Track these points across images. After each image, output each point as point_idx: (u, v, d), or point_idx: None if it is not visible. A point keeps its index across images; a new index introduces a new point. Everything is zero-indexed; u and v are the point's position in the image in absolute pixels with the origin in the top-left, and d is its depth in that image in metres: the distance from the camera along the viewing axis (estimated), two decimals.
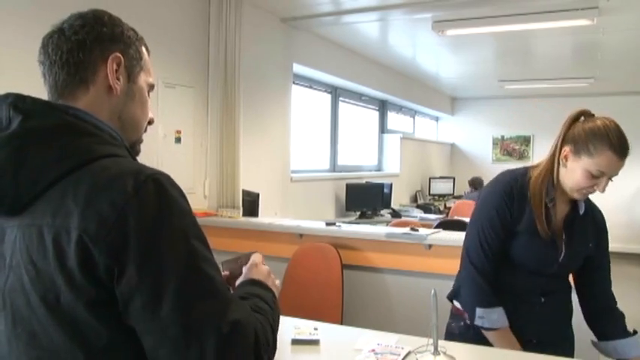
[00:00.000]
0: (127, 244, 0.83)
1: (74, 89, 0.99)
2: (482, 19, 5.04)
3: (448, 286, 2.02)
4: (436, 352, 1.57)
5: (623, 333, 1.90)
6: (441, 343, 1.61)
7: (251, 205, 4.52)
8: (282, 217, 4.92)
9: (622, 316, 1.96)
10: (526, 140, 10.56)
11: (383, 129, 8.48)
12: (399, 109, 9.08)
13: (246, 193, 4.49)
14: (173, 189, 0.90)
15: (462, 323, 1.96)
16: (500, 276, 1.89)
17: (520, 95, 10.07)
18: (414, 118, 9.83)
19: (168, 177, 0.91)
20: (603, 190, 1.82)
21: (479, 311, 1.84)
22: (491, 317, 1.83)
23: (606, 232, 2.00)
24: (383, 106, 8.46)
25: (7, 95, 0.94)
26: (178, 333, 0.83)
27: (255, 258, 1.22)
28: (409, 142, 8.71)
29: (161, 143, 3.84)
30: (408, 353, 1.64)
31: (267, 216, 4.68)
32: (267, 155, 5.10)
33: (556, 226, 1.87)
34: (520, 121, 10.46)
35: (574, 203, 1.93)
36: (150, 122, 1.13)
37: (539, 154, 10.41)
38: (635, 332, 1.91)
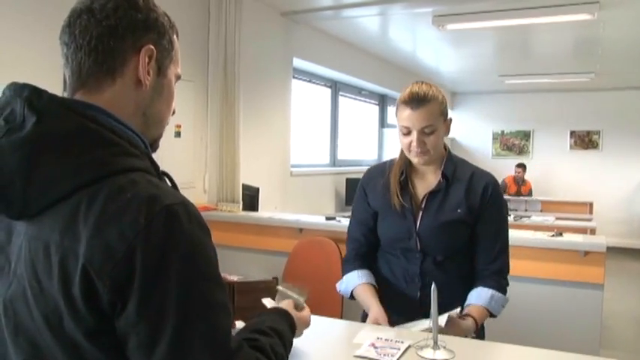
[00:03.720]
0: (132, 281, 0.77)
1: (99, 79, 0.91)
2: (482, 14, 5.03)
3: None
4: (436, 346, 1.58)
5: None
6: (441, 337, 1.61)
7: (251, 199, 4.52)
8: (281, 212, 4.92)
9: (485, 277, 1.94)
10: (526, 135, 10.55)
11: (383, 123, 8.47)
12: None
13: (245, 188, 4.49)
14: (189, 221, 0.82)
15: None
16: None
17: (520, 90, 10.06)
18: None
19: (187, 206, 0.83)
20: (418, 146, 1.87)
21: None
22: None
23: (494, 202, 1.96)
24: (383, 101, 8.45)
25: (24, 87, 0.86)
26: None
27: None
28: None
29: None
30: (408, 347, 1.64)
31: (267, 210, 4.68)
32: (267, 149, 5.10)
33: (416, 198, 1.97)
34: (520, 115, 10.46)
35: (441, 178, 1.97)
36: (172, 113, 1.05)
37: (539, 149, 10.44)
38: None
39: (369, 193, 2.06)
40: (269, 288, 1.23)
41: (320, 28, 5.87)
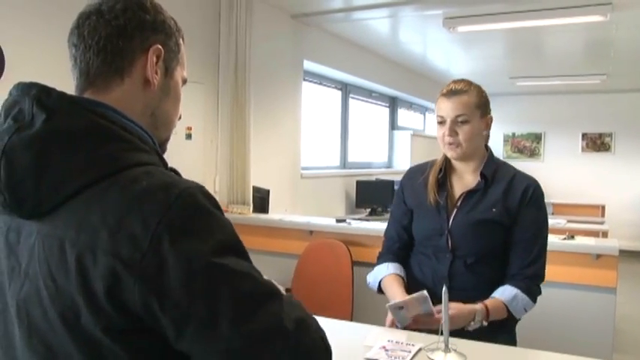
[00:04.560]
0: (165, 268, 0.76)
1: (108, 79, 0.91)
2: (493, 16, 5.01)
3: None
4: (447, 349, 1.57)
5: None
6: (452, 340, 1.61)
7: (261, 201, 4.52)
8: (292, 214, 4.92)
9: (516, 279, 1.90)
10: (537, 137, 10.49)
11: (393, 126, 8.46)
12: (410, 105, 9.06)
13: (256, 190, 4.50)
14: (207, 201, 0.83)
15: None
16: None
17: (531, 92, 10.01)
18: (424, 115, 9.79)
19: (201, 188, 0.84)
20: (450, 134, 1.91)
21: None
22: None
23: (533, 204, 1.93)
24: (393, 103, 8.44)
25: (32, 86, 0.86)
26: (245, 344, 0.78)
27: None
28: (420, 139, 8.67)
29: (171, 139, 3.82)
30: (419, 350, 1.64)
31: (278, 212, 4.68)
32: (278, 152, 5.11)
33: (452, 196, 1.99)
34: (531, 118, 10.41)
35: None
36: (179, 117, 1.06)
37: (550, 152, 10.38)
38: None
39: (406, 192, 2.11)
40: None
41: (330, 30, 5.87)
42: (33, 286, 0.83)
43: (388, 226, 2.18)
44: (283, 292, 0.90)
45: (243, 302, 0.80)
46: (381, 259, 2.13)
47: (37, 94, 0.85)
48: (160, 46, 0.94)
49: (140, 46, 0.92)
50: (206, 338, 0.78)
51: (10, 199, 0.82)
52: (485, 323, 1.80)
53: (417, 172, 2.11)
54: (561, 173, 9.99)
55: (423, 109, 9.70)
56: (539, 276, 1.92)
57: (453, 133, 1.90)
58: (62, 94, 0.87)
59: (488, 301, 1.84)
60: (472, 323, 1.78)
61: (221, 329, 0.77)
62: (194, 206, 0.81)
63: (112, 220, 0.78)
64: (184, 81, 1.04)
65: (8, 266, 0.88)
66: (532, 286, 1.90)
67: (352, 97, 7.14)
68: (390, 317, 1.89)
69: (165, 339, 0.80)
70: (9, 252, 0.89)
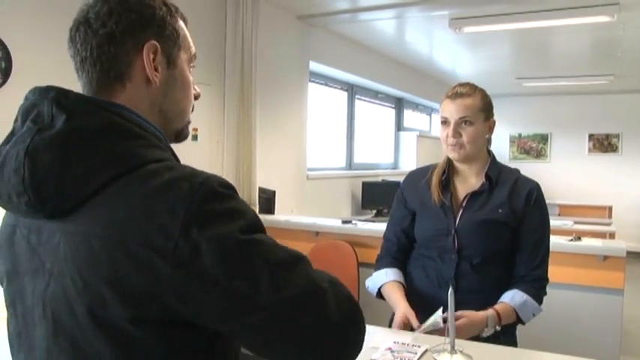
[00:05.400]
0: (199, 252, 0.78)
1: (110, 87, 0.92)
2: (499, 17, 5.00)
3: None
4: (453, 350, 1.57)
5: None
6: (458, 342, 1.60)
7: (267, 202, 4.53)
8: (298, 215, 4.93)
9: (524, 282, 1.92)
10: (543, 138, 10.46)
11: (399, 127, 8.45)
12: (416, 106, 9.05)
13: (262, 191, 4.50)
14: (228, 188, 0.86)
15: None
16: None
17: (538, 93, 9.98)
18: (430, 116, 9.78)
19: (220, 177, 0.87)
20: (454, 136, 1.93)
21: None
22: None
23: (538, 207, 1.95)
24: (399, 104, 8.43)
25: (49, 89, 0.87)
26: (286, 308, 0.81)
27: None
28: (425, 140, 8.66)
29: None
30: (425, 352, 1.64)
31: (284, 213, 4.69)
32: (284, 153, 5.11)
33: (456, 198, 2.00)
34: (538, 118, 10.37)
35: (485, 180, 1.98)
36: (196, 98, 1.05)
37: (556, 153, 10.34)
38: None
39: (407, 195, 2.11)
40: None
41: (336, 31, 5.87)
42: (59, 285, 0.84)
43: (387, 228, 2.19)
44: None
45: (277, 270, 0.82)
46: (380, 262, 2.15)
47: (55, 96, 0.86)
48: (154, 42, 0.93)
49: (134, 47, 0.92)
50: (250, 309, 0.80)
51: (35, 199, 0.82)
52: (498, 328, 1.82)
53: (418, 175, 2.12)
54: (568, 174, 9.95)
55: (429, 110, 9.69)
56: (546, 278, 1.96)
57: (456, 134, 1.92)
58: (80, 95, 0.89)
59: (498, 307, 1.85)
60: (485, 330, 1.80)
61: (262, 298, 0.80)
62: (217, 193, 0.83)
63: (139, 212, 0.79)
64: (192, 58, 1.03)
65: (31, 268, 0.89)
66: (540, 291, 1.93)
67: (358, 98, 7.14)
68: (398, 320, 1.90)
69: (201, 328, 0.83)
70: (31, 254, 0.90)
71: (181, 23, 1.00)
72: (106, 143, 0.84)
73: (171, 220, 0.78)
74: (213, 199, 0.82)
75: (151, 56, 0.93)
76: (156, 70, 0.94)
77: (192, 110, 1.05)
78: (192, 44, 1.03)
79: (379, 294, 2.09)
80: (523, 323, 1.92)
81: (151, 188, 0.81)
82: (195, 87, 1.04)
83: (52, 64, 2.99)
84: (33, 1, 2.96)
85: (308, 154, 5.53)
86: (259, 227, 0.87)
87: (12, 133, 0.88)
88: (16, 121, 0.90)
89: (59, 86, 0.88)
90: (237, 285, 0.79)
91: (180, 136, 1.03)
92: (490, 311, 1.82)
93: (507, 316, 1.85)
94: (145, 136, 0.89)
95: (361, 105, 7.27)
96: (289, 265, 0.85)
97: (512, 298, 1.88)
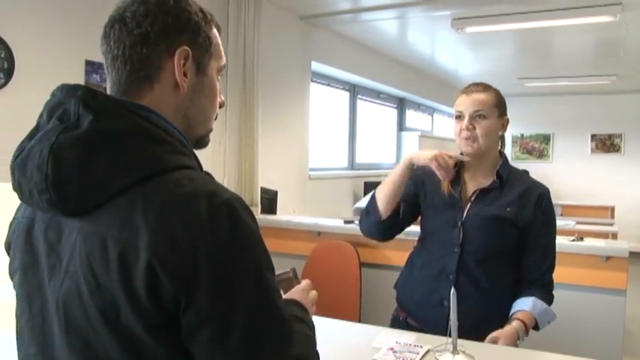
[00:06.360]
0: (198, 273, 0.78)
1: (138, 87, 0.92)
2: (502, 16, 4.99)
3: None
4: (455, 351, 1.57)
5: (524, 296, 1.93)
6: (460, 342, 1.60)
7: (269, 202, 4.53)
8: (300, 215, 4.93)
9: (537, 287, 1.94)
10: (546, 138, 10.45)
11: (401, 127, 8.44)
12: (418, 106, 9.04)
13: (264, 191, 4.51)
14: (246, 215, 0.84)
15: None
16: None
17: (540, 93, 9.97)
18: (432, 116, 9.78)
19: (241, 201, 0.86)
20: (467, 129, 1.94)
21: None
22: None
23: (547, 212, 1.97)
24: (401, 104, 8.43)
25: (76, 88, 0.87)
26: None
27: (306, 286, 1.20)
28: (428, 140, 8.65)
29: None
30: (427, 352, 1.64)
31: (286, 214, 4.69)
32: (286, 153, 5.11)
33: (465, 192, 2.00)
34: (540, 119, 10.36)
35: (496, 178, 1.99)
36: (221, 106, 1.04)
37: (559, 153, 10.33)
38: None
39: (425, 178, 2.07)
40: (288, 279, 1.23)
41: (338, 31, 5.87)
42: (73, 283, 0.85)
43: None
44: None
45: (256, 327, 0.82)
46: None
47: (83, 95, 0.86)
48: (186, 47, 0.93)
49: (166, 51, 0.92)
50: (212, 350, 0.80)
51: (56, 198, 0.83)
52: (525, 338, 1.85)
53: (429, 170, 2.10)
54: (570, 174, 9.94)
55: (431, 110, 9.68)
56: (553, 281, 2.00)
57: (470, 127, 1.93)
58: (108, 97, 0.89)
59: (522, 317, 1.87)
60: (518, 342, 1.82)
61: (229, 346, 0.80)
62: (234, 218, 0.82)
63: (154, 220, 0.80)
64: (221, 68, 1.03)
65: (48, 264, 0.89)
66: (551, 296, 1.97)
67: (360, 98, 7.14)
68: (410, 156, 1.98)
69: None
70: (49, 250, 0.90)
71: (215, 31, 1.01)
72: (131, 147, 0.84)
73: (183, 234, 0.78)
74: (229, 224, 0.81)
75: (182, 61, 0.93)
76: (185, 75, 0.94)
77: (216, 119, 1.05)
78: (223, 54, 1.03)
79: (372, 203, 2.05)
80: (538, 329, 1.93)
81: (171, 199, 0.81)
82: (221, 96, 1.04)
83: (54, 64, 3.01)
84: (36, 0, 2.96)
85: (310, 155, 5.53)
86: (266, 266, 0.86)
87: (36, 129, 0.89)
88: (41, 116, 0.90)
89: (87, 86, 0.88)
90: (214, 321, 0.79)
91: (201, 142, 1.02)
92: (517, 324, 1.84)
93: (530, 324, 1.88)
94: (171, 141, 0.89)
95: (363, 105, 7.27)
96: (270, 325, 0.84)
97: (534, 307, 1.89)
